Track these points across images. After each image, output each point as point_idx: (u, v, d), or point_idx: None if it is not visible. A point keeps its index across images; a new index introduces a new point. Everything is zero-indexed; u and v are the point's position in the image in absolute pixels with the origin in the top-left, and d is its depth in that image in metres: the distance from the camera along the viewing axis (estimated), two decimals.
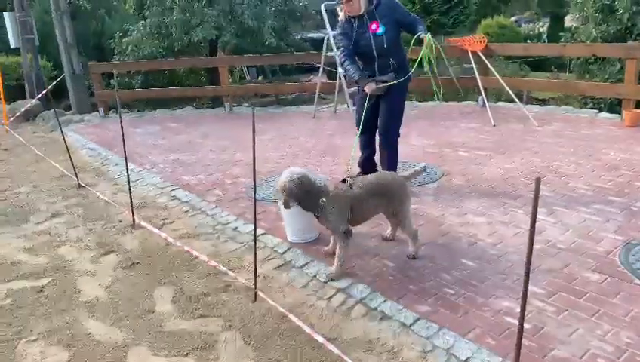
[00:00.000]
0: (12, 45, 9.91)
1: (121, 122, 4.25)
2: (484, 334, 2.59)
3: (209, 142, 6.83)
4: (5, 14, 9.80)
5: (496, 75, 7.62)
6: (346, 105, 8.30)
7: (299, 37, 12.96)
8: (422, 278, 3.14)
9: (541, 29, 22.08)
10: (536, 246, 3.31)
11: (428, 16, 20.69)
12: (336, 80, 8.26)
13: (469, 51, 7.95)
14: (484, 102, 7.72)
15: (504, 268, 3.19)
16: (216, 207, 4.58)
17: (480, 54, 7.85)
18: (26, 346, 2.82)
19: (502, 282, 3.03)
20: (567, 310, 2.74)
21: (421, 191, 4.55)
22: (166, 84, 10.78)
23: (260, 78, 16.77)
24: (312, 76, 16.53)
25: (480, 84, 7.72)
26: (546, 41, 20.24)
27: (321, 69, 8.27)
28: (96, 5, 13.39)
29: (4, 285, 3.46)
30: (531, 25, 23.19)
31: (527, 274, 1.59)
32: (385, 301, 2.95)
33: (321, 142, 6.52)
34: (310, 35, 16.97)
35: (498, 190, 4.47)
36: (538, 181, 1.61)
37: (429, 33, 4.04)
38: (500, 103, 8.45)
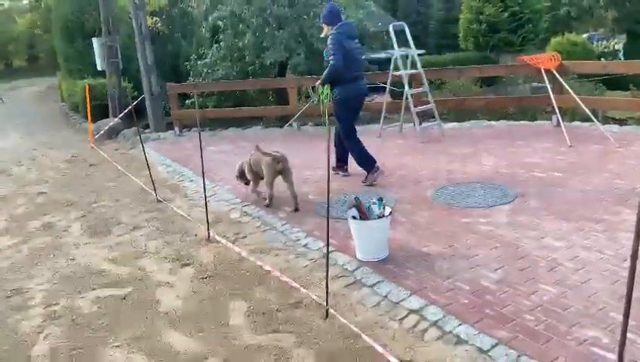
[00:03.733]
0: (99, 68, 10.67)
1: (200, 141, 4.46)
2: None
3: None
4: (94, 40, 10.59)
5: (572, 93, 7.32)
6: (412, 124, 8.25)
7: (364, 57, 13.10)
8: (499, 303, 3.04)
9: (616, 47, 21.00)
10: (624, 273, 3.12)
11: (494, 35, 20.31)
12: (402, 99, 8.25)
13: (542, 70, 7.70)
14: (558, 122, 7.41)
15: (588, 295, 3.03)
16: (286, 223, 4.67)
17: (554, 72, 7.57)
18: (112, 352, 2.98)
19: (586, 310, 2.88)
20: None
21: (494, 213, 4.42)
22: (237, 104, 11.18)
23: None
24: (375, 96, 16.58)
25: (554, 103, 7.43)
26: (622, 58, 19.24)
27: (387, 88, 8.28)
28: (174, 30, 14.16)
29: (92, 292, 3.68)
30: (605, 42, 22.11)
31: (628, 303, 1.51)
32: (460, 324, 2.88)
33: (388, 161, 6.49)
34: (375, 55, 17.08)
35: (578, 213, 4.27)
36: None
37: (318, 83, 5.69)
38: (576, 123, 8.07)
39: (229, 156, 7.42)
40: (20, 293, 3.74)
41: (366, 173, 5.59)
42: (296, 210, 4.92)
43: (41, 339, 3.13)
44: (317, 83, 5.70)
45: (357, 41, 5.69)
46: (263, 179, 5.11)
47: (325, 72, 5.47)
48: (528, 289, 3.16)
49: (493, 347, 2.65)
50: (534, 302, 3.01)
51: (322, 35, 5.78)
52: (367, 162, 5.58)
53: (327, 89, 5.60)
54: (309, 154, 7.18)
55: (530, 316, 2.88)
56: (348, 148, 5.70)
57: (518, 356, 2.56)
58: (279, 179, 5.04)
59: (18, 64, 32.97)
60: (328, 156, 3.14)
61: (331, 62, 5.32)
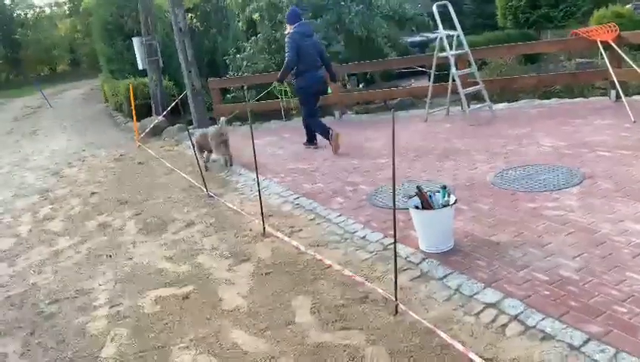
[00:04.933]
0: (140, 67, 10.77)
1: (252, 133, 4.37)
2: None
3: (323, 151, 6.85)
4: (134, 39, 10.68)
5: (634, 66, 6.87)
6: (458, 108, 7.96)
7: (401, 41, 12.78)
8: (584, 294, 2.82)
9: None
10: None
11: (534, 11, 19.45)
12: (442, 82, 7.97)
13: (599, 42, 7.25)
14: (617, 97, 6.98)
15: None
16: (340, 215, 4.54)
17: (612, 44, 7.12)
18: (179, 353, 2.93)
19: None
20: None
21: (563, 196, 4.16)
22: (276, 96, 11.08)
23: (360, 86, 16.76)
24: (412, 80, 16.20)
25: (614, 77, 6.99)
26: None
27: (432, 72, 7.99)
28: (209, 25, 14.19)
29: (153, 292, 3.66)
30: None
31: None
32: (544, 318, 2.68)
33: (438, 146, 6.27)
34: (411, 38, 16.65)
35: None
36: None
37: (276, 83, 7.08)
38: (636, 97, 7.58)
39: (274, 148, 7.35)
40: (84, 294, 3.76)
41: (328, 141, 6.64)
42: (231, 165, 6.69)
43: (109, 341, 3.12)
44: (276, 80, 6.92)
45: (314, 37, 6.68)
46: (208, 150, 6.78)
47: (282, 69, 6.60)
48: (614, 278, 2.93)
49: (585, 342, 2.45)
50: (624, 292, 2.78)
51: (285, 33, 6.76)
52: (326, 133, 6.62)
53: (284, 87, 7.34)
54: (353, 142, 7.03)
55: (621, 308, 2.65)
56: (312, 125, 6.82)
57: (616, 352, 2.35)
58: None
59: (62, 69, 33.99)
60: (393, 143, 2.98)
61: (286, 59, 6.38)
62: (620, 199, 3.96)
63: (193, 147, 6.13)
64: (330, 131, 6.59)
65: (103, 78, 16.81)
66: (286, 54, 6.36)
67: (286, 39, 6.42)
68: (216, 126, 6.88)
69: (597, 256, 3.19)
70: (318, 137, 6.93)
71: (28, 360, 3.06)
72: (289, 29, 6.48)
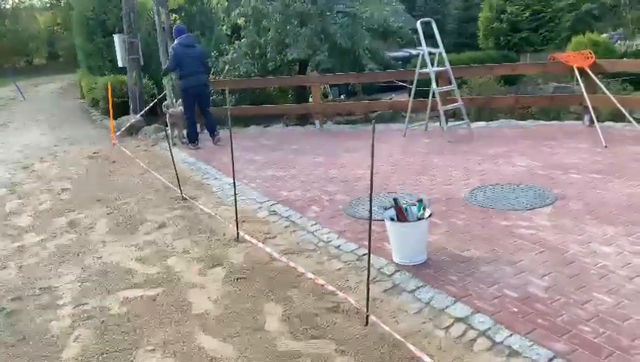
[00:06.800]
0: (120, 64, 10.61)
1: (231, 137, 4.33)
2: None
3: (302, 159, 6.85)
4: (115, 36, 10.53)
5: (608, 93, 7.08)
6: (437, 123, 8.07)
7: (383, 55, 12.92)
8: (551, 312, 2.86)
9: None
10: None
11: (515, 34, 19.95)
12: (421, 98, 8.08)
13: (575, 68, 7.46)
14: (590, 122, 7.18)
15: None
16: (316, 223, 4.53)
17: (588, 71, 7.33)
18: (144, 356, 2.87)
19: None
20: None
21: (535, 216, 4.23)
22: (257, 101, 11.07)
23: (342, 97, 16.87)
24: (392, 95, 16.40)
25: (589, 103, 7.19)
26: None
27: (414, 86, 8.08)
28: (192, 27, 14.09)
29: (121, 292, 3.58)
30: (628, 42, 21.58)
31: None
32: (511, 335, 2.71)
33: (416, 161, 6.33)
34: (393, 54, 16.84)
35: (623, 217, 4.07)
36: None
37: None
38: (608, 123, 7.80)
39: (251, 154, 7.31)
40: (48, 292, 3.65)
41: (188, 141, 8.12)
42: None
43: (72, 341, 3.03)
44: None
45: (196, 47, 8.06)
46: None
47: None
48: (581, 297, 2.98)
49: (550, 360, 2.49)
50: (589, 312, 2.83)
51: (171, 45, 8.29)
52: (193, 137, 8.08)
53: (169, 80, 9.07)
54: (332, 152, 7.05)
55: (586, 327, 2.70)
56: (187, 123, 8.09)
57: None
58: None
59: (38, 62, 33.22)
60: (372, 154, 3.00)
61: (167, 63, 8.17)
62: (589, 221, 4.05)
63: (170, 147, 6.04)
64: (196, 142, 8.01)
65: (81, 74, 16.50)
66: (168, 60, 8.20)
67: (169, 49, 8.13)
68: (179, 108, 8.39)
69: (565, 276, 3.25)
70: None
71: None
72: (175, 41, 7.94)
